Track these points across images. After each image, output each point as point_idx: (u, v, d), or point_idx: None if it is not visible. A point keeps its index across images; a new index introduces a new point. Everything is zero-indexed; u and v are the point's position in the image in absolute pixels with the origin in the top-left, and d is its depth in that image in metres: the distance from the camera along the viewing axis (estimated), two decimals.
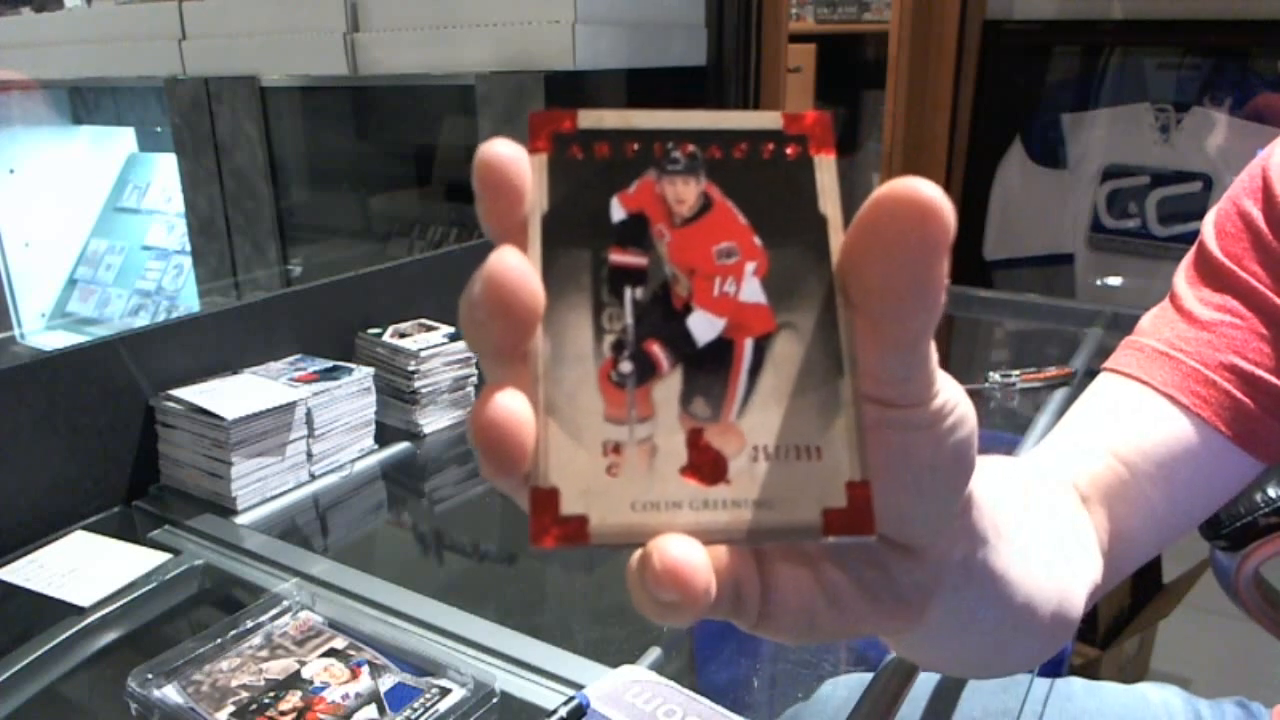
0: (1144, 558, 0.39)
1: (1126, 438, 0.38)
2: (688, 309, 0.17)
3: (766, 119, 0.18)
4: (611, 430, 0.16)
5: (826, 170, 0.18)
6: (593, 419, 0.16)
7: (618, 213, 0.17)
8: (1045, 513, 0.34)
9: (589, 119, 0.18)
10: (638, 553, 0.17)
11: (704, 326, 0.17)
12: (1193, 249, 0.42)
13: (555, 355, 0.17)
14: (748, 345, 0.17)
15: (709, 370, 0.17)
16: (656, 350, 0.17)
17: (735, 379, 0.17)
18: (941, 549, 0.22)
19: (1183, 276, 0.42)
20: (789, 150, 0.18)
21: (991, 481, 0.25)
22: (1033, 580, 0.29)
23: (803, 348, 0.17)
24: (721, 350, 0.17)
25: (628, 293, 0.17)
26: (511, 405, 0.16)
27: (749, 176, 0.18)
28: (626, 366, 0.17)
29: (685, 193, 0.18)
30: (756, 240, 0.18)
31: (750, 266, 0.17)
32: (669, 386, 0.17)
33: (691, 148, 0.18)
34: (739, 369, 0.17)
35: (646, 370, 0.17)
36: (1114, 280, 1.64)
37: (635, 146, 0.18)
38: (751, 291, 0.17)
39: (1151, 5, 1.56)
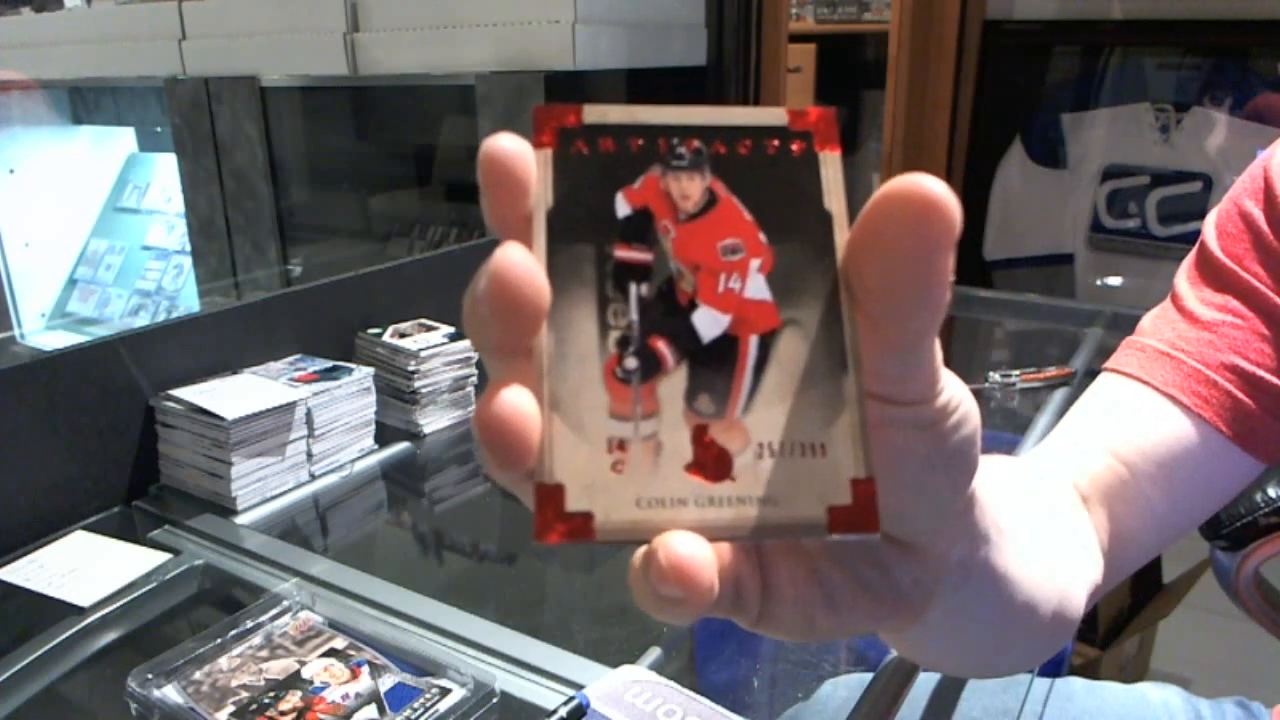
0: (1144, 558, 0.39)
1: (1127, 438, 0.38)
2: (692, 305, 0.17)
3: (771, 115, 0.18)
4: (616, 426, 0.16)
5: (831, 166, 0.18)
6: (597, 415, 0.16)
7: (622, 208, 0.17)
8: (1045, 512, 0.34)
9: (594, 114, 0.18)
10: (641, 549, 0.17)
11: (709, 323, 0.17)
12: (1194, 249, 0.42)
13: (560, 351, 0.17)
14: (752, 342, 0.17)
15: (714, 367, 0.17)
16: (661, 346, 0.17)
17: (740, 376, 0.17)
18: (941, 547, 0.22)
19: (1184, 277, 0.42)
20: (794, 146, 0.18)
21: (992, 481, 0.25)
22: (1032, 580, 0.29)
23: (807, 344, 0.17)
24: (726, 347, 0.17)
25: (632, 289, 0.17)
26: (517, 401, 0.16)
27: (754, 172, 0.18)
28: (631, 363, 0.17)
29: (690, 188, 0.18)
30: (761, 236, 0.17)
31: (755, 263, 0.17)
32: (674, 383, 0.17)
33: (696, 143, 0.18)
34: (744, 366, 0.17)
35: (651, 367, 0.17)
36: (1114, 280, 1.64)
37: (640, 142, 0.18)
38: (756, 288, 0.17)
39: (1151, 5, 1.56)
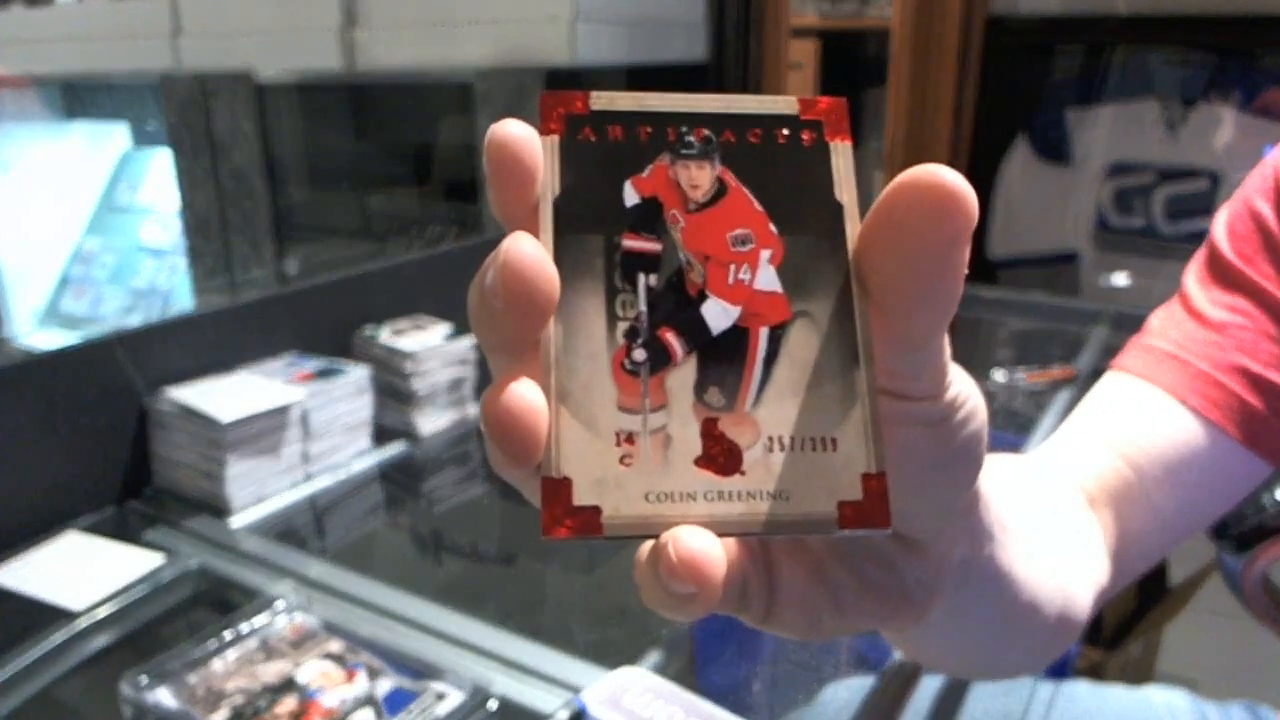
0: (1152, 560, 0.39)
1: (1134, 439, 0.38)
2: (702, 296, 0.17)
3: (781, 103, 0.18)
4: (625, 420, 0.16)
5: (843, 156, 0.18)
6: (606, 408, 0.16)
7: (631, 197, 0.17)
8: (1049, 512, 0.34)
9: (601, 100, 0.18)
10: (647, 544, 0.16)
11: (718, 314, 0.17)
12: (1203, 248, 0.42)
13: (567, 343, 0.16)
14: (763, 334, 0.17)
15: (723, 359, 0.17)
16: (670, 338, 0.17)
17: (750, 368, 0.17)
18: (945, 545, 0.22)
19: (1192, 276, 0.41)
20: (804, 136, 0.18)
21: (996, 479, 0.25)
22: (1036, 579, 0.29)
23: (818, 337, 0.17)
24: (736, 339, 0.17)
25: (641, 279, 0.17)
26: (526, 395, 0.16)
27: (764, 162, 0.18)
28: (640, 355, 0.16)
29: (699, 178, 0.17)
30: (772, 227, 0.17)
31: (765, 254, 0.17)
32: (683, 375, 0.17)
33: (706, 132, 0.17)
34: (754, 358, 0.17)
35: (660, 359, 0.17)
36: (1119, 278, 1.63)
37: (648, 130, 0.17)
38: (767, 279, 0.17)
39: (1156, 1, 1.55)
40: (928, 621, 0.22)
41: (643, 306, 0.17)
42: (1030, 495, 0.33)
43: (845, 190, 0.18)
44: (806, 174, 0.18)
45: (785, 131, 0.18)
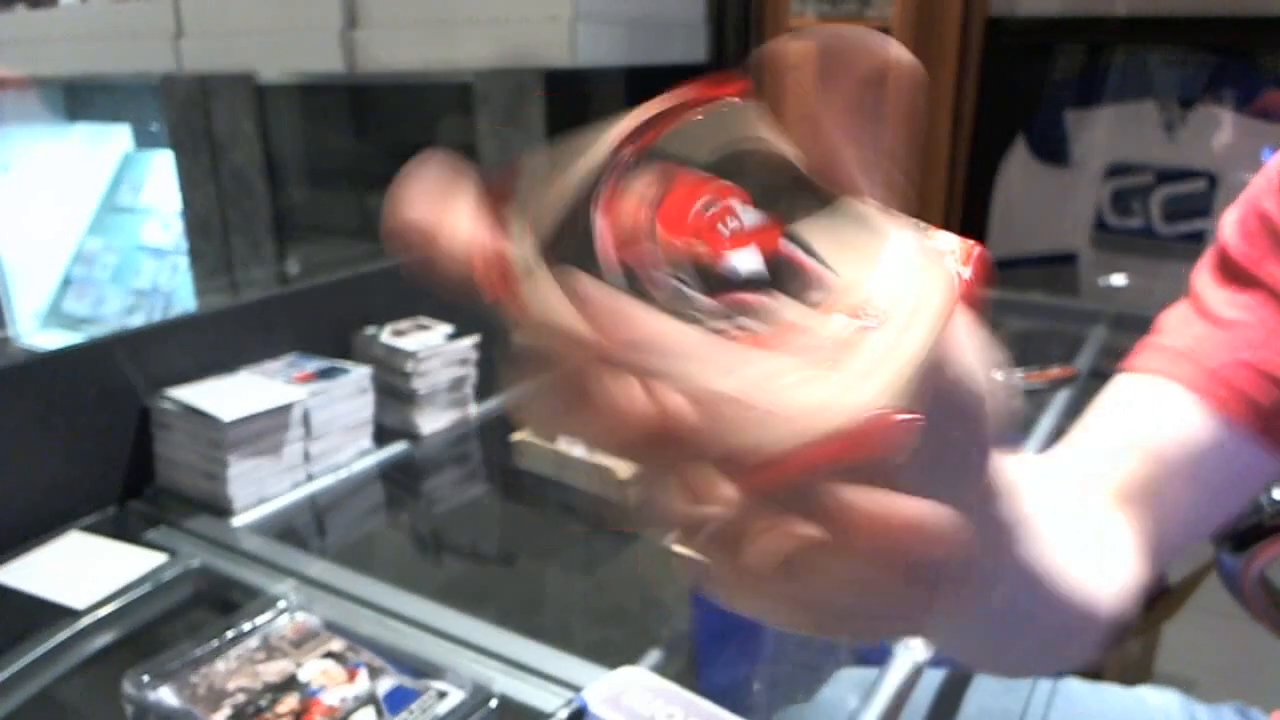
0: (1174, 556, 0.39)
1: (1152, 436, 0.38)
2: (722, 258, 0.18)
3: (679, 95, 0.19)
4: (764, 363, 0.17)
5: (752, 112, 0.19)
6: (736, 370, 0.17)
7: (602, 225, 0.18)
8: (1070, 513, 0.34)
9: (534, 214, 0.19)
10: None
11: (746, 261, 0.18)
12: (1211, 249, 0.42)
13: (680, 354, 0.17)
14: (785, 244, 0.18)
15: (785, 277, 0.18)
16: (742, 299, 0.18)
17: (807, 264, 0.18)
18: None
19: (1202, 277, 0.42)
20: (711, 105, 0.19)
21: (1016, 478, 0.25)
22: (1057, 578, 0.29)
23: (826, 217, 0.19)
24: (777, 264, 0.18)
25: (672, 285, 0.18)
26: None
27: (686, 137, 0.19)
28: (742, 321, 0.17)
29: (646, 182, 0.19)
30: (724, 182, 0.19)
31: (734, 201, 0.18)
32: (778, 310, 0.18)
33: (631, 147, 0.19)
34: (800, 259, 0.18)
35: (754, 317, 0.18)
36: (1118, 279, 1.63)
37: (592, 187, 0.19)
38: (754, 217, 0.18)
39: (1155, 3, 1.55)
40: (950, 615, 0.23)
41: (702, 300, 0.18)
42: (1050, 494, 0.33)
43: (762, 128, 0.19)
44: (722, 131, 0.19)
45: (693, 112, 0.19)
